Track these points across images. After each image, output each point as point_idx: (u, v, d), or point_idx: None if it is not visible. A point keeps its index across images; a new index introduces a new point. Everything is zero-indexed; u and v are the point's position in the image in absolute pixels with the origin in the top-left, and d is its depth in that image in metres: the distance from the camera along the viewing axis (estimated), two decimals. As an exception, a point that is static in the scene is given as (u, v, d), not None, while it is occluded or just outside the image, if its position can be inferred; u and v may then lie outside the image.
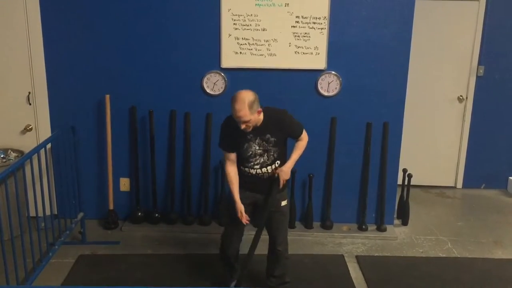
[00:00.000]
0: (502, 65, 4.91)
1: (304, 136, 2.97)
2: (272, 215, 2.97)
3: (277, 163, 2.93)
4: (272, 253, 3.09)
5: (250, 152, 2.86)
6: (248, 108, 2.64)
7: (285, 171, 2.93)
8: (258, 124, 2.80)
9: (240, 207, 2.89)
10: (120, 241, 3.92)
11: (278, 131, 2.86)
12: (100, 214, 4.24)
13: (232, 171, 2.93)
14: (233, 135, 2.84)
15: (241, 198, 2.92)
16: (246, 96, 2.66)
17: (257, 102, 2.71)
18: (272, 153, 2.89)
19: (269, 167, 2.91)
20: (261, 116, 2.79)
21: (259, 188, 2.96)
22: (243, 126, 2.72)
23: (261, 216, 2.99)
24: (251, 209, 3.03)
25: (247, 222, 2.92)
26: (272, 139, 2.85)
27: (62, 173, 3.63)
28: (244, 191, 2.95)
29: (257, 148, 2.86)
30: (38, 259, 3.32)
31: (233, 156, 2.92)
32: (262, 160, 2.89)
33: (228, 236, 3.07)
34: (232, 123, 2.78)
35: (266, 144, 2.86)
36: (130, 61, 3.96)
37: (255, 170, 2.90)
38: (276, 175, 2.92)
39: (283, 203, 3.02)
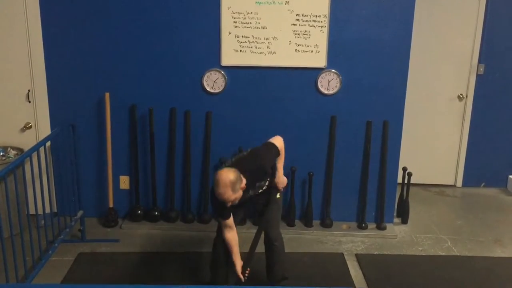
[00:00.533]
0: (503, 63, 4.90)
1: (280, 148, 2.94)
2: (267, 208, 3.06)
3: (269, 179, 3.00)
4: (269, 250, 3.12)
5: (248, 197, 2.90)
6: (231, 190, 2.59)
7: (281, 181, 3.05)
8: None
9: (239, 270, 2.88)
10: (119, 239, 3.92)
11: (263, 173, 2.89)
12: (100, 212, 4.24)
13: (231, 237, 2.89)
14: (226, 204, 2.75)
15: (237, 215, 2.98)
16: (227, 178, 2.58)
17: (239, 180, 2.63)
18: (266, 183, 2.99)
19: (264, 187, 3.00)
20: (244, 183, 2.70)
21: (255, 200, 3.05)
22: (229, 204, 2.69)
23: (261, 221, 3.07)
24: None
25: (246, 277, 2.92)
26: (262, 182, 2.93)
27: (62, 171, 3.63)
28: (240, 210, 3.02)
29: (253, 193, 2.92)
30: (38, 257, 3.33)
31: (230, 221, 2.87)
32: (260, 191, 2.98)
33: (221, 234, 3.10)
34: None
35: (259, 186, 2.93)
36: (130, 59, 3.95)
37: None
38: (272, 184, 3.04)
39: (277, 195, 3.10)
